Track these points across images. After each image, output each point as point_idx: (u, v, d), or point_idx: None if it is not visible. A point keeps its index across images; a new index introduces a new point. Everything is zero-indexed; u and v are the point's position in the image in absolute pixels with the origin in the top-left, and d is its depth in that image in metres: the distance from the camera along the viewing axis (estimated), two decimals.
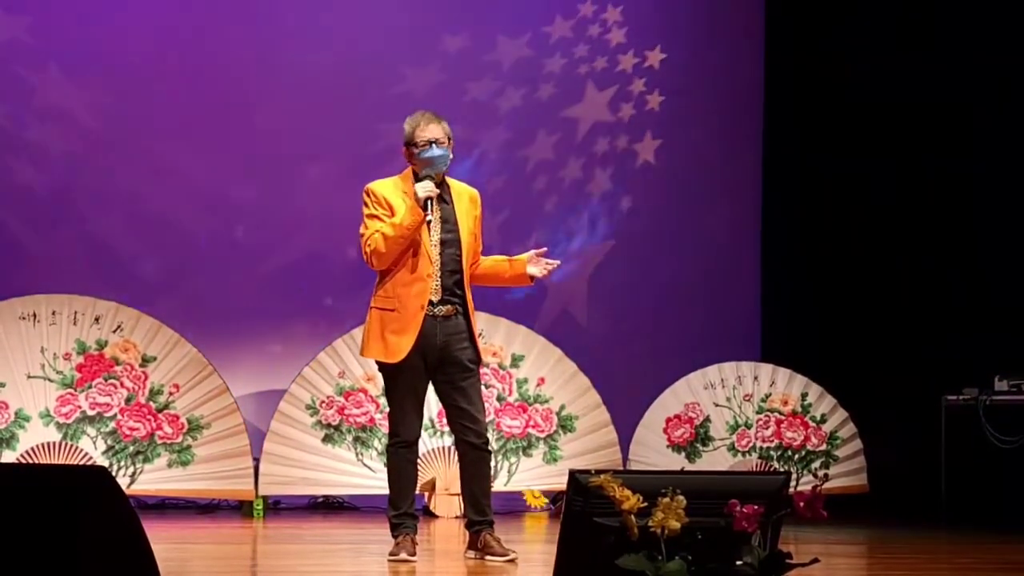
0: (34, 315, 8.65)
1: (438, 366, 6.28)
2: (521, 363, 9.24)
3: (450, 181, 6.39)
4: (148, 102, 9.63)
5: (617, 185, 10.36)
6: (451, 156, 6.33)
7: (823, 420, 9.63)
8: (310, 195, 9.88)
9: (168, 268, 9.66)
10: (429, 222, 6.20)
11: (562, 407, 9.26)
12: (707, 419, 9.54)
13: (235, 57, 9.75)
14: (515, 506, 9.36)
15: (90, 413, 8.63)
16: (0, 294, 8.81)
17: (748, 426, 9.57)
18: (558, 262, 6.47)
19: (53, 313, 8.67)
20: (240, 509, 8.99)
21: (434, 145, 6.24)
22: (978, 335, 9.57)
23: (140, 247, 9.61)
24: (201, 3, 9.76)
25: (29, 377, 8.61)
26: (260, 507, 8.88)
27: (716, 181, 10.48)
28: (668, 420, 9.51)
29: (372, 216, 6.26)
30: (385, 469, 8.83)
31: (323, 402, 8.95)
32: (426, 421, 8.70)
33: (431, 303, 6.23)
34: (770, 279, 10.45)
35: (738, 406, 9.58)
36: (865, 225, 10.13)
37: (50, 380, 8.62)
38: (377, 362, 6.38)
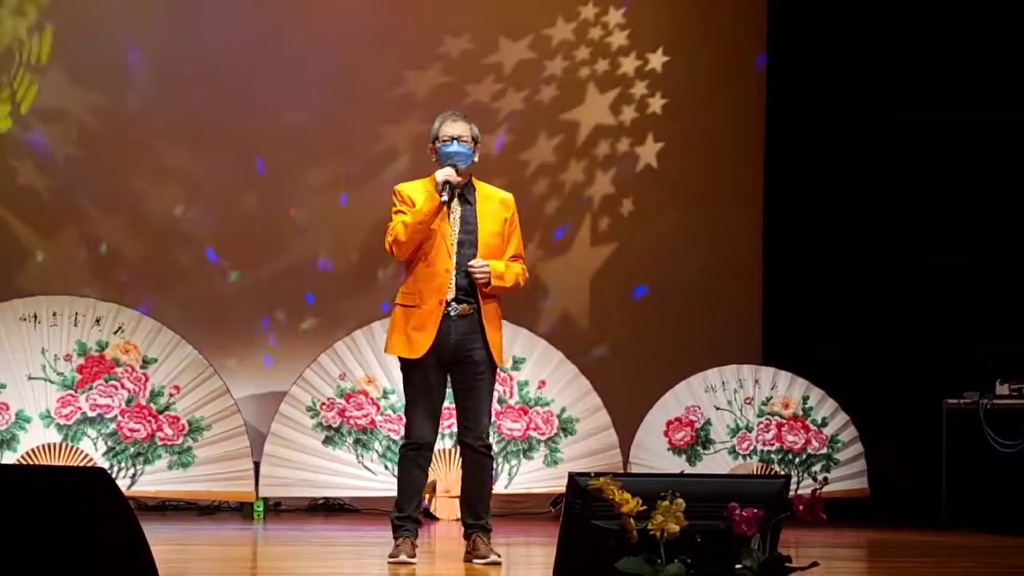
0: (35, 316, 8.65)
1: (452, 365, 6.29)
2: (522, 366, 9.24)
3: (480, 184, 6.41)
4: (150, 104, 9.63)
5: (618, 188, 10.35)
6: (474, 158, 6.34)
7: (824, 423, 9.63)
8: (312, 197, 9.88)
9: (169, 270, 9.65)
10: (445, 203, 6.21)
11: (563, 410, 9.26)
12: (708, 422, 9.54)
13: (237, 59, 9.75)
14: (516, 508, 9.35)
15: (91, 414, 8.64)
16: (1, 295, 8.81)
17: (749, 429, 9.57)
18: (476, 264, 6.33)
19: (54, 314, 8.67)
20: (240, 511, 8.99)
21: (456, 141, 6.28)
22: (979, 339, 9.57)
23: (141, 248, 9.60)
24: (204, 6, 9.76)
25: (30, 378, 8.61)
26: (260, 509, 8.88)
27: (718, 184, 10.47)
28: (669, 423, 9.51)
29: (397, 212, 6.32)
30: (385, 471, 8.89)
31: (324, 404, 8.95)
32: None
33: (447, 301, 6.24)
34: (772, 282, 10.44)
35: (739, 409, 9.58)
36: (867, 229, 10.12)
37: (51, 381, 8.62)
38: (400, 359, 6.38)
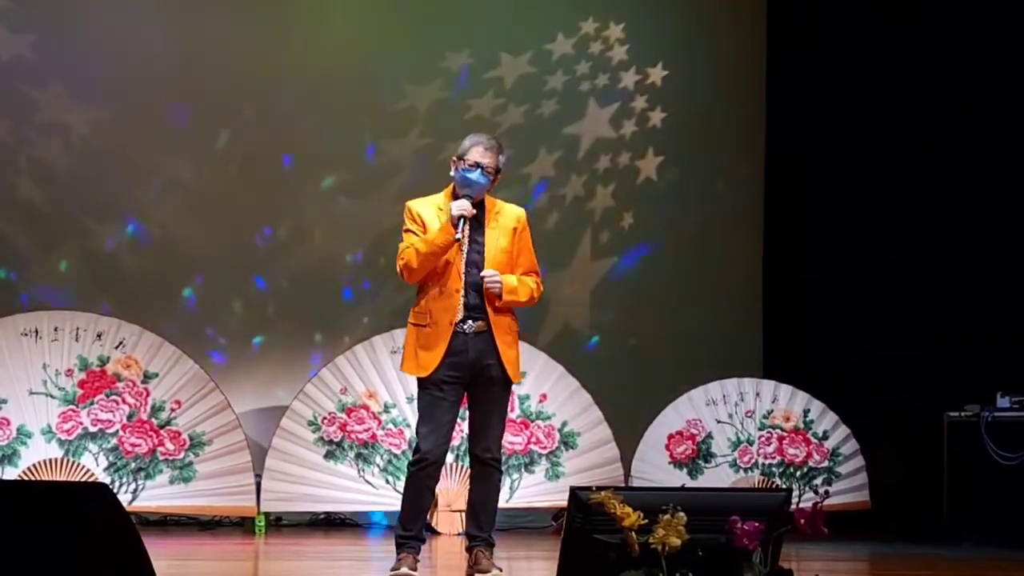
0: (36, 331, 8.65)
1: (472, 381, 6.29)
2: (523, 379, 9.23)
3: (491, 201, 6.40)
4: (150, 118, 9.64)
5: (619, 202, 10.36)
6: (489, 187, 6.32)
7: (825, 437, 9.63)
8: (314, 210, 9.89)
9: (170, 283, 9.65)
10: (458, 240, 6.21)
11: (564, 424, 9.26)
12: (709, 435, 9.54)
13: (237, 72, 9.76)
14: (517, 523, 9.35)
15: (92, 429, 8.64)
16: (2, 310, 8.81)
17: (750, 442, 9.57)
18: (487, 274, 6.29)
19: (55, 329, 8.68)
20: (242, 526, 8.99)
21: (480, 170, 6.26)
22: (980, 351, 9.56)
23: (141, 262, 9.61)
24: (205, 20, 9.77)
25: (31, 393, 8.61)
26: (262, 524, 8.88)
27: (717, 197, 10.49)
28: (670, 436, 9.51)
29: (407, 231, 6.33)
30: (387, 485, 8.88)
31: (325, 419, 8.95)
32: None
33: (459, 321, 6.25)
34: (772, 295, 10.45)
35: (740, 422, 9.58)
36: (868, 240, 10.13)
37: (52, 396, 8.62)
38: (417, 377, 6.39)
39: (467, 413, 6.45)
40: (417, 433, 6.39)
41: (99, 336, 8.71)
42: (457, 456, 8.84)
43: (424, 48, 10.08)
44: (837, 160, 10.21)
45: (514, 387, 9.04)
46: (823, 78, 10.24)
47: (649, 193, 10.42)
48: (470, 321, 6.26)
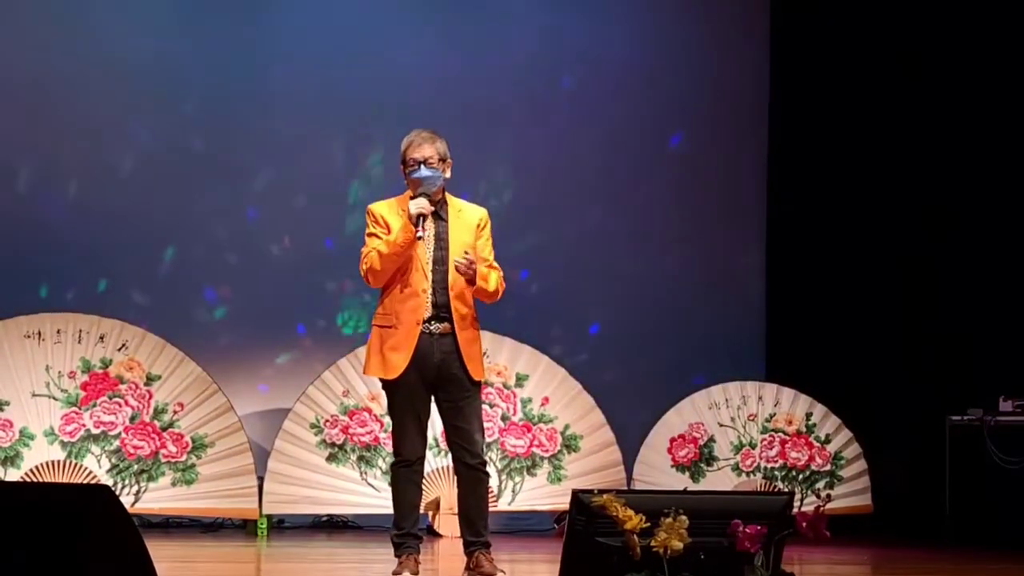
0: (39, 333, 8.66)
1: (437, 384, 6.28)
2: (525, 382, 9.24)
3: (452, 200, 6.39)
4: (145, 120, 9.66)
5: (621, 204, 10.36)
6: (444, 176, 6.31)
7: (828, 440, 9.63)
8: (312, 212, 9.89)
9: (172, 285, 9.66)
10: (420, 238, 6.21)
11: (566, 427, 9.26)
12: (711, 439, 9.54)
13: (231, 76, 9.78)
14: (519, 525, 9.36)
15: (94, 431, 8.64)
16: (5, 312, 8.82)
17: (752, 446, 9.57)
18: (461, 259, 6.29)
19: (58, 331, 8.68)
20: (244, 528, 8.99)
21: (423, 166, 6.25)
22: (983, 356, 9.56)
23: (144, 264, 9.62)
24: (200, 31, 9.79)
25: (34, 395, 8.62)
26: (264, 526, 8.88)
27: (721, 200, 10.49)
28: (672, 440, 9.51)
29: (371, 235, 6.31)
30: (389, 488, 8.89)
31: (327, 421, 8.95)
32: (430, 441, 8.69)
33: (426, 320, 6.24)
34: (775, 299, 10.45)
35: (742, 426, 9.58)
36: (871, 245, 10.13)
37: (55, 398, 8.63)
38: (380, 379, 6.39)
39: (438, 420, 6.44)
40: (393, 436, 6.38)
41: (102, 338, 8.72)
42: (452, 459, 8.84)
43: (422, 46, 10.07)
44: (841, 161, 10.21)
45: (517, 390, 9.17)
46: (828, 76, 10.24)
47: (651, 193, 10.42)
48: (435, 322, 6.25)
